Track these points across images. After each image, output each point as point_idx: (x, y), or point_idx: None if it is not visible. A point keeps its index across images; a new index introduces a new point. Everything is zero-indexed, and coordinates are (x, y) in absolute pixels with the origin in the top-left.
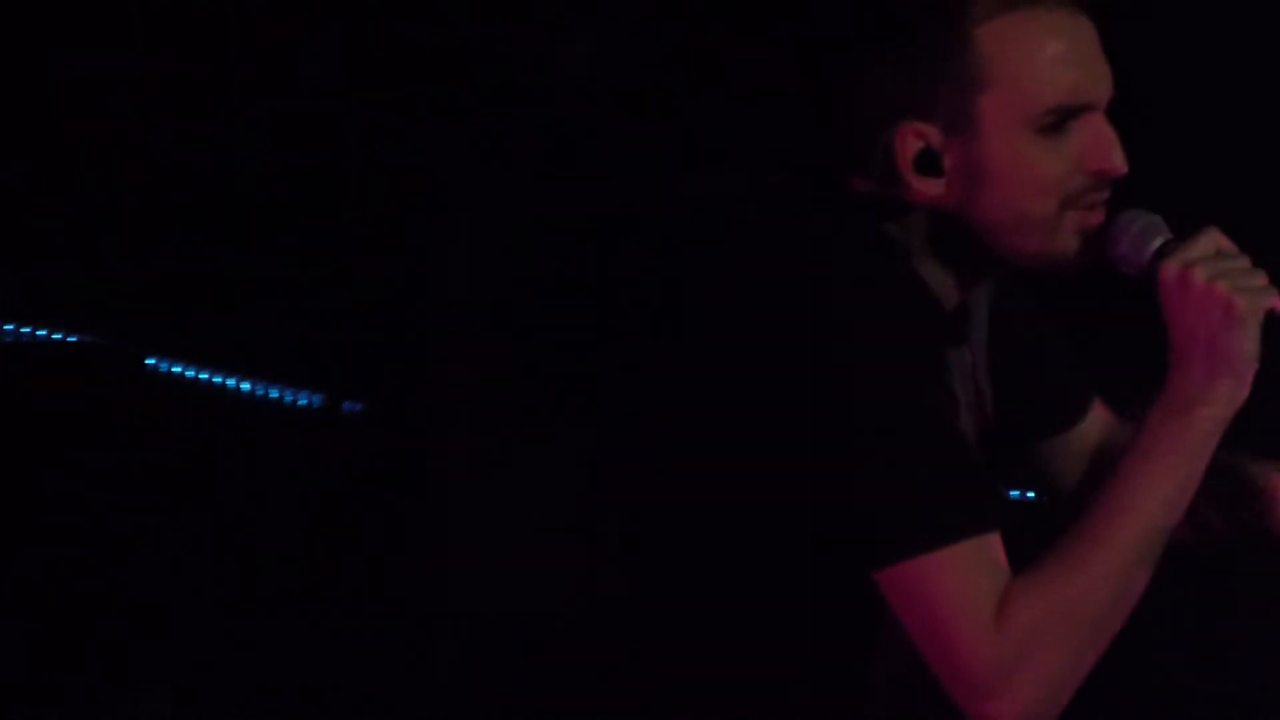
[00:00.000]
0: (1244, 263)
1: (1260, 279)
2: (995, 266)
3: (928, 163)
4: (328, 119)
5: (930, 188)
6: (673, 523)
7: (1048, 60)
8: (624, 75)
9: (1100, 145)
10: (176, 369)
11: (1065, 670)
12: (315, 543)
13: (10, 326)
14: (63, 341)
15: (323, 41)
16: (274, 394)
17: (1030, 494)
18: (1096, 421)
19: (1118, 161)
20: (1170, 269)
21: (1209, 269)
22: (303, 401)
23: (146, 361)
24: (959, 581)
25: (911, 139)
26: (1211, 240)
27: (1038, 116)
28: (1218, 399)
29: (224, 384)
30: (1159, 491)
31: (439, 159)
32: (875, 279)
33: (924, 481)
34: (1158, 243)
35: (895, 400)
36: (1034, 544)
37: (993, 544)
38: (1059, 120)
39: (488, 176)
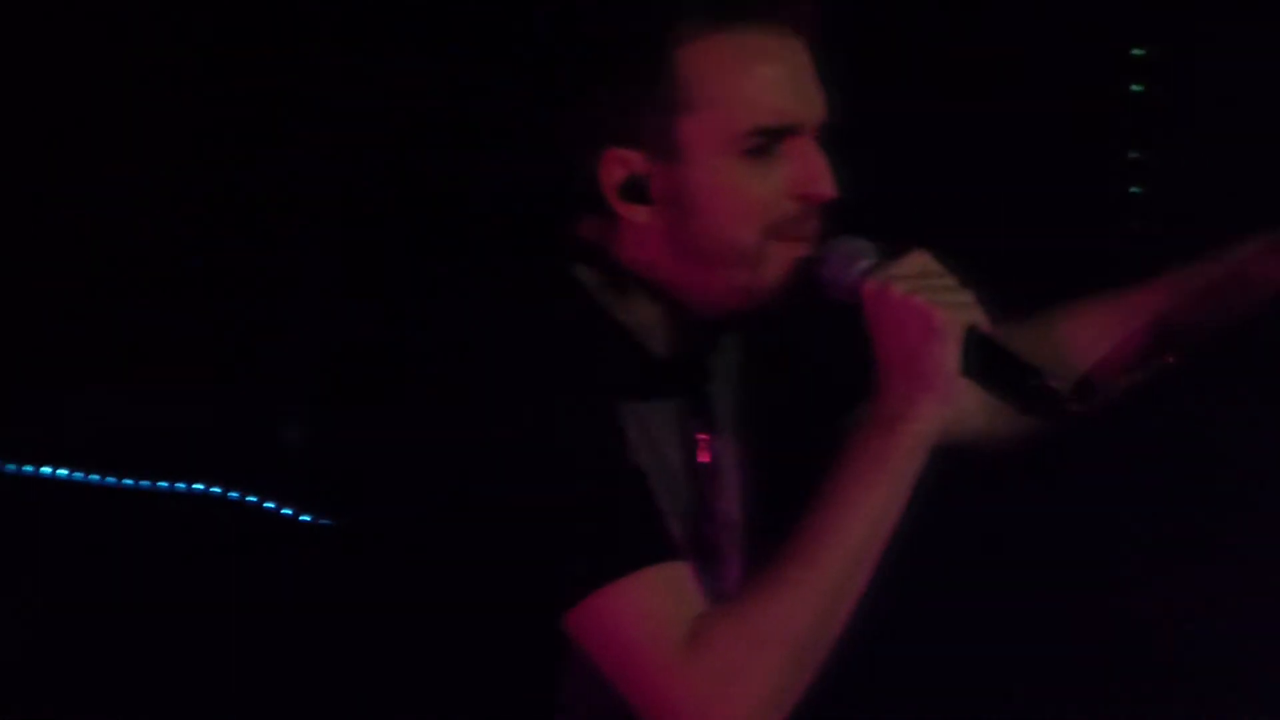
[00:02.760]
0: (949, 281)
1: (965, 296)
2: (702, 308)
3: (635, 190)
4: None
5: (638, 215)
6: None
7: (753, 81)
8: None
9: (808, 170)
10: None
11: (772, 693)
12: None
13: None
14: None
15: None
16: None
17: None
18: None
19: (826, 187)
20: (871, 285)
21: (909, 284)
22: None
23: None
24: (644, 609)
25: (616, 166)
26: (918, 260)
27: (742, 138)
28: (921, 415)
29: None
30: (865, 511)
31: None
32: (532, 337)
33: (594, 519)
34: (865, 264)
35: (552, 451)
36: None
37: (678, 571)
38: (765, 143)
39: None
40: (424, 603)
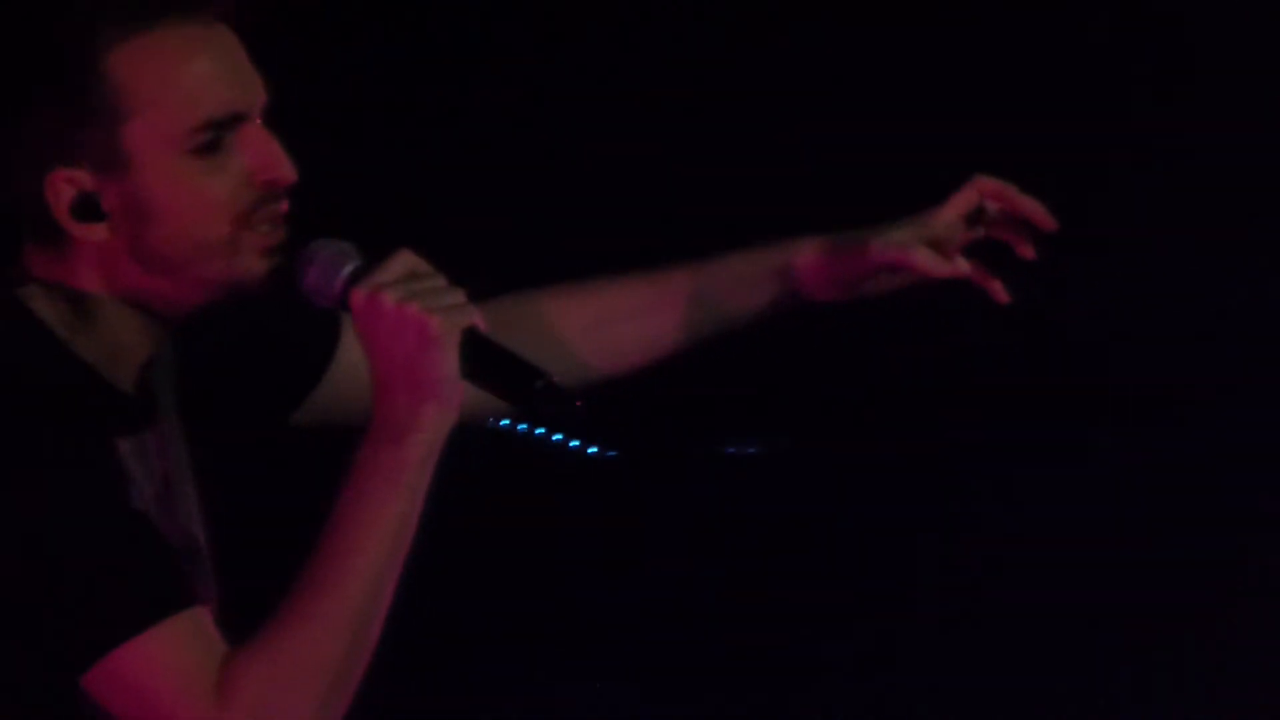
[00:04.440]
0: (439, 282)
1: (457, 297)
2: (181, 311)
3: (87, 208)
4: None
5: (95, 234)
6: None
7: (187, 77)
8: None
9: (262, 156)
10: None
11: None
12: None
13: None
14: None
15: None
16: None
17: None
18: (349, 335)
19: (284, 170)
20: (360, 295)
21: (400, 291)
22: None
23: None
24: (168, 664)
25: (63, 187)
26: (404, 262)
27: (187, 136)
28: (426, 424)
29: None
30: (380, 528)
31: None
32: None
33: (100, 574)
34: (348, 270)
35: (44, 508)
36: None
37: (197, 618)
38: (213, 138)
39: None
40: None
